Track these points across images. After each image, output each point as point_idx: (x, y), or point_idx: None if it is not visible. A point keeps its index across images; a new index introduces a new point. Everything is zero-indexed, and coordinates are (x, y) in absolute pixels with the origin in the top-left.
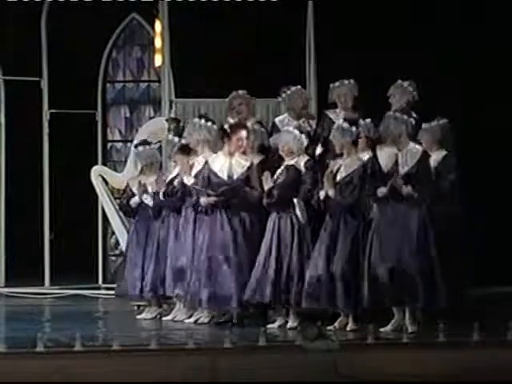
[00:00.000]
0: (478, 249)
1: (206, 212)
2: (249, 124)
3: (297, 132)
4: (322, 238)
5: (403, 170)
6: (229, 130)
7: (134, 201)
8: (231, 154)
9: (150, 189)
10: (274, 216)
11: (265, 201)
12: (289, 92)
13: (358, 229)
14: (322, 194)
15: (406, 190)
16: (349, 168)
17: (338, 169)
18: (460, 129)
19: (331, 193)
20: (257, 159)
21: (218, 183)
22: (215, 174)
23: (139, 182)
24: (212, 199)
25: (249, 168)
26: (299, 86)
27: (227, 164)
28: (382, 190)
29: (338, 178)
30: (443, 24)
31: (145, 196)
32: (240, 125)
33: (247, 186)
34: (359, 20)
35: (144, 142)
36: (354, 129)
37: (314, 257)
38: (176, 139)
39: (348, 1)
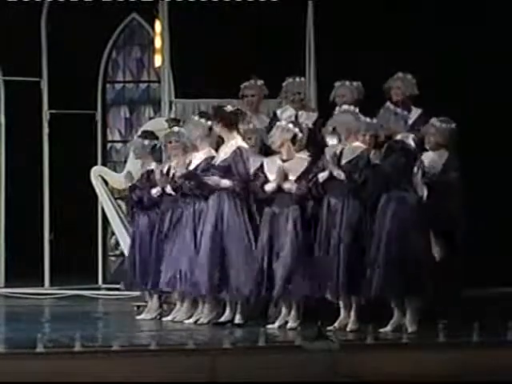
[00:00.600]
0: (478, 249)
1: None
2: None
3: (284, 124)
4: (325, 223)
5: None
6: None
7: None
8: (225, 138)
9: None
10: (289, 209)
11: (296, 194)
12: (285, 82)
13: (360, 214)
14: (322, 176)
15: (338, 173)
16: (353, 152)
17: (341, 153)
18: (460, 129)
19: (337, 172)
20: (258, 160)
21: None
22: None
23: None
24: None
25: (231, 155)
26: (301, 78)
27: (220, 150)
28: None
29: (343, 161)
30: (443, 24)
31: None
32: (219, 107)
33: (232, 173)
34: (359, 20)
35: (144, 136)
36: (368, 120)
37: (318, 244)
38: (182, 130)
39: (348, 1)
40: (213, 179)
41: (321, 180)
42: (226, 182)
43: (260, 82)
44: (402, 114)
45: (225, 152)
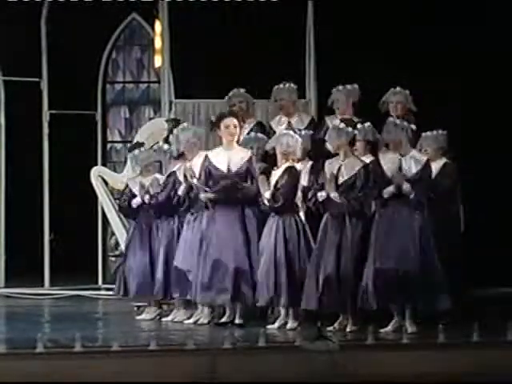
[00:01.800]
0: (478, 249)
1: (206, 207)
2: (247, 124)
3: (295, 134)
4: (326, 240)
5: (407, 174)
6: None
7: (136, 202)
8: (228, 146)
9: (150, 190)
10: (276, 218)
11: (269, 204)
12: (276, 88)
13: (362, 230)
14: (321, 196)
15: (406, 186)
16: (350, 170)
17: (338, 170)
18: (460, 129)
19: (334, 195)
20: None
21: (217, 176)
22: (215, 167)
23: (140, 183)
24: (210, 195)
25: (248, 160)
26: (285, 85)
27: (226, 157)
28: (388, 190)
29: (340, 180)
30: (443, 24)
31: (147, 197)
32: (226, 114)
33: (247, 179)
34: (359, 20)
35: (136, 145)
36: (349, 129)
37: (319, 260)
38: (166, 146)
39: (348, 1)
40: (249, 187)
41: (320, 199)
42: (254, 188)
43: (243, 90)
44: (403, 125)
45: (236, 158)
